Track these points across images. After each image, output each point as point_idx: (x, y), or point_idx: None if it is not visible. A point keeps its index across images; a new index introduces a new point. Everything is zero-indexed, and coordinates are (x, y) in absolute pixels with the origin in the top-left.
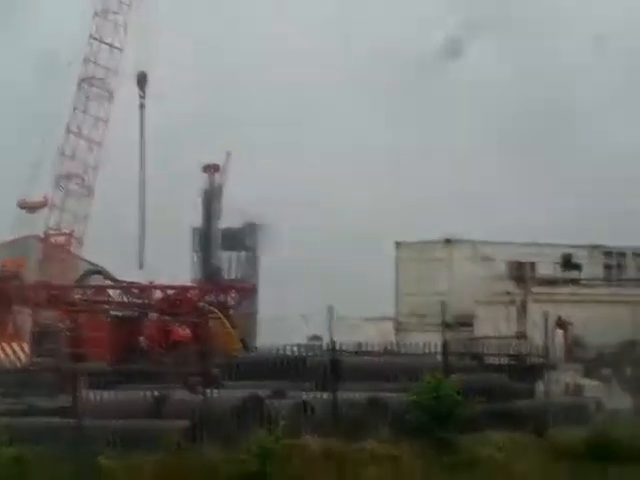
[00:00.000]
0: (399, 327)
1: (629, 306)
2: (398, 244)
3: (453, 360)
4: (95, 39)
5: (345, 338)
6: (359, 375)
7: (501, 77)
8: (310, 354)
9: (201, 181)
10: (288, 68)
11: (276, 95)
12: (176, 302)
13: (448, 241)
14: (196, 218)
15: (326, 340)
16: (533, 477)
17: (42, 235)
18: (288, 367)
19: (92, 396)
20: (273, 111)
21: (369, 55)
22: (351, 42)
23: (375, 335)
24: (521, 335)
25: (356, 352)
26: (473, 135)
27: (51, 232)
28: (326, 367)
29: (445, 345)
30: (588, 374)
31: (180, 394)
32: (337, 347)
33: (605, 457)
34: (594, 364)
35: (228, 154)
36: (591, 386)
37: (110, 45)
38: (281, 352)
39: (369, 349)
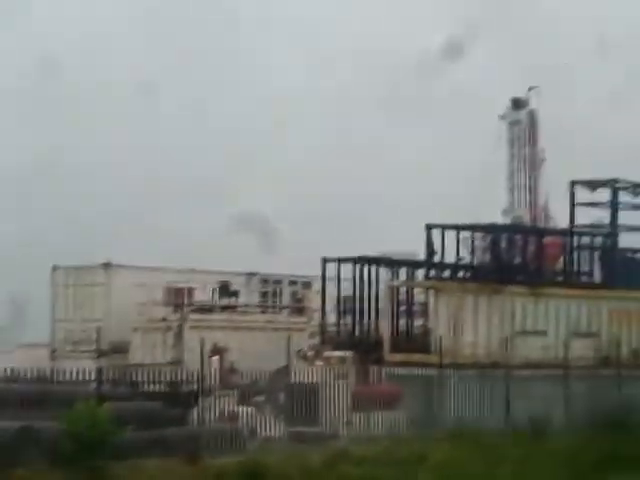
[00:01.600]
0: (54, 354)
1: (284, 333)
2: (54, 268)
3: (107, 388)
4: None
5: None
6: (9, 403)
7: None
8: None
9: None
10: (284, 68)
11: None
12: None
13: (106, 265)
14: None
15: None
16: None
17: None
18: None
19: None
20: None
21: (368, 55)
22: (350, 42)
23: (28, 362)
24: (176, 362)
25: (6, 380)
26: None
27: None
28: None
29: (99, 372)
30: (243, 401)
31: None
32: None
33: None
34: (249, 391)
35: None
36: (245, 413)
37: None
38: None
39: (21, 376)
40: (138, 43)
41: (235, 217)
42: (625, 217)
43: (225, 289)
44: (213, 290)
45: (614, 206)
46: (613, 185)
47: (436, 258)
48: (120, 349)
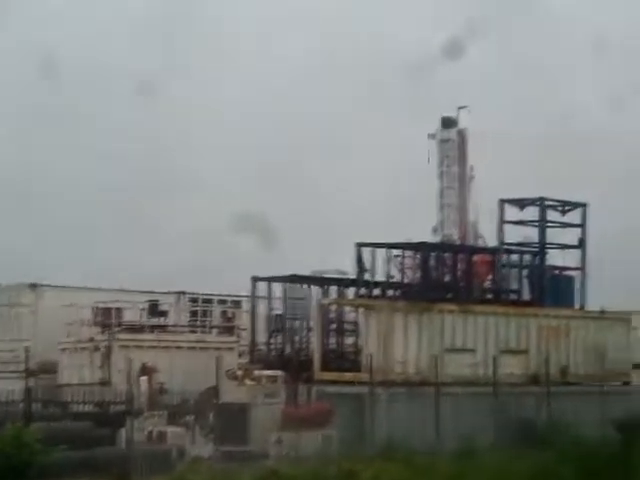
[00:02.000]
0: None
1: (213, 352)
2: None
3: (36, 408)
4: None
5: None
6: None
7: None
8: None
9: None
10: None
11: None
12: None
13: (33, 286)
14: None
15: None
16: None
17: None
18: None
19: None
20: None
21: (369, 55)
22: (350, 42)
23: None
24: (105, 382)
25: None
26: None
27: None
28: None
29: (28, 393)
30: (172, 421)
31: None
32: None
33: None
34: (178, 411)
35: None
36: (174, 433)
37: None
38: None
39: None
40: (138, 43)
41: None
42: (553, 235)
43: (154, 308)
44: (142, 310)
45: (542, 224)
46: (541, 203)
47: (366, 276)
48: (48, 369)
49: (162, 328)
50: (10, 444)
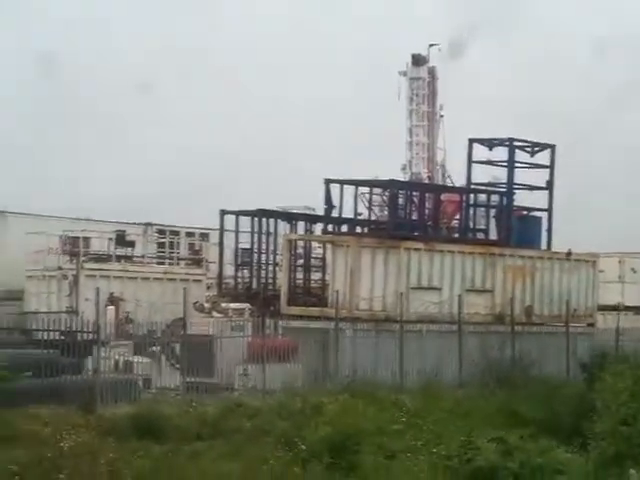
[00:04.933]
0: None
1: (180, 284)
2: None
3: (1, 335)
4: None
5: None
6: None
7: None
8: None
9: None
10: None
11: None
12: None
13: (1, 213)
14: None
15: None
16: (81, 453)
17: None
18: None
19: None
20: None
21: (370, 55)
22: (351, 42)
23: None
24: (72, 310)
25: None
26: None
27: None
28: None
29: None
30: (138, 351)
31: None
32: None
33: (151, 434)
34: (144, 341)
35: None
36: (141, 363)
37: None
38: None
39: None
40: (138, 43)
41: None
42: (521, 176)
43: (121, 239)
44: (109, 240)
45: (510, 165)
46: (510, 144)
47: (334, 213)
48: (15, 296)
49: (129, 259)
50: None
